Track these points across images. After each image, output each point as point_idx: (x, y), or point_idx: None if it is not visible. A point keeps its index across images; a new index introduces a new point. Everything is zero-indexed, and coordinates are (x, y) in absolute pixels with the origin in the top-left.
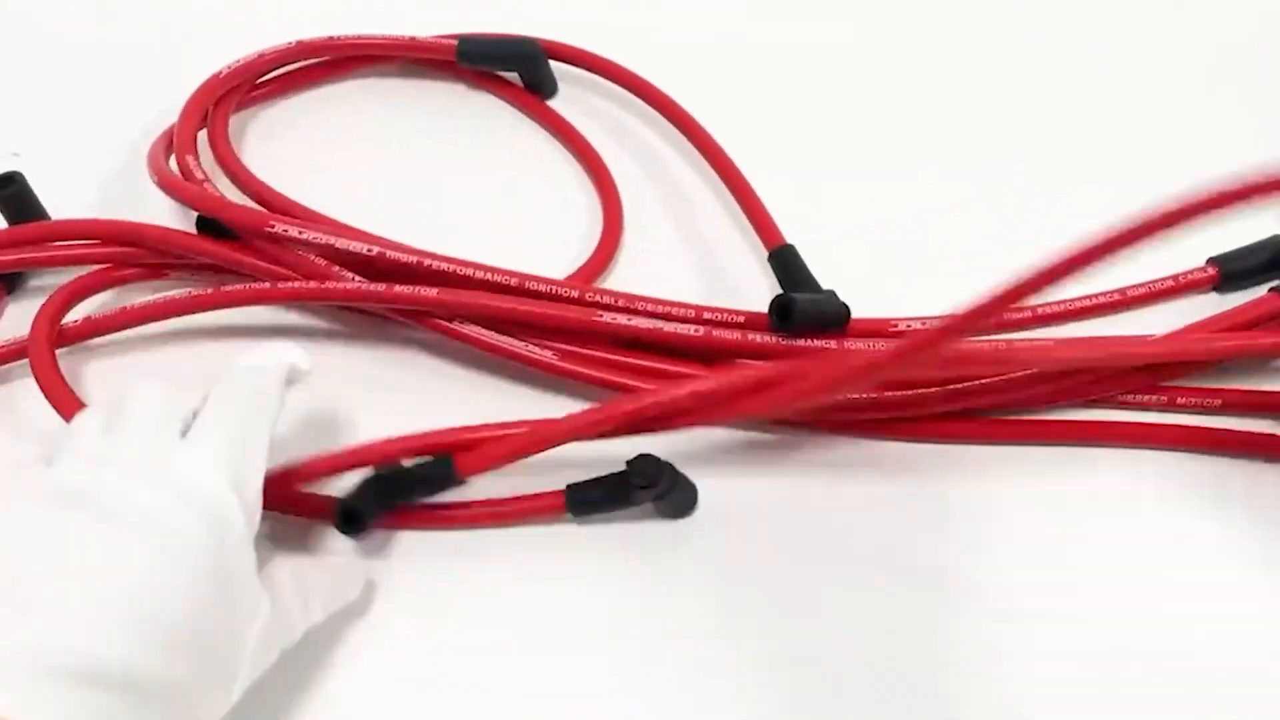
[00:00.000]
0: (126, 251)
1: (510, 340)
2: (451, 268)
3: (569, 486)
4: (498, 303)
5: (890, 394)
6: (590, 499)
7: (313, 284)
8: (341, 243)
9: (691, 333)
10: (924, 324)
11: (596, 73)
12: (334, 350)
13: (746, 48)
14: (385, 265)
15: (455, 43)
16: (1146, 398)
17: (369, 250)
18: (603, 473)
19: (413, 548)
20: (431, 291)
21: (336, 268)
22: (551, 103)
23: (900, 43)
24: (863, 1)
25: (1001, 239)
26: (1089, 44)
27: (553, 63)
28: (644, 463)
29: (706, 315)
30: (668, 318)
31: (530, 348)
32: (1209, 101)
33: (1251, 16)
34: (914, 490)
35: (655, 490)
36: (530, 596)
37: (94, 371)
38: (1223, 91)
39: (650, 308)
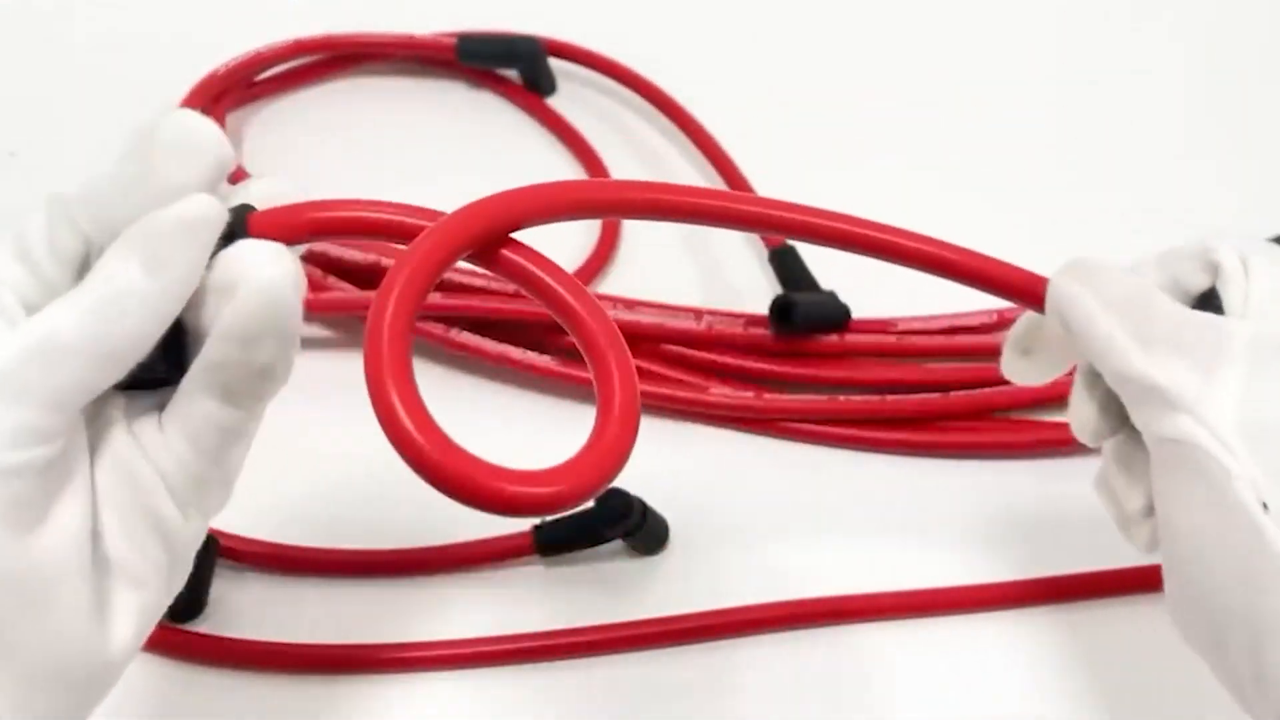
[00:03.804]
0: None
1: (510, 347)
2: (448, 275)
3: (535, 526)
4: (502, 305)
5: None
6: (558, 538)
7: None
8: (337, 250)
9: (693, 325)
10: (923, 324)
11: (596, 70)
12: (328, 358)
13: (747, 46)
14: (381, 273)
15: (455, 40)
16: None
17: (364, 258)
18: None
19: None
20: (435, 295)
21: (330, 277)
22: (551, 100)
23: (903, 44)
24: (865, 1)
25: (1002, 240)
26: (1090, 43)
27: (552, 60)
28: (613, 499)
29: (706, 317)
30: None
31: (529, 354)
32: (1210, 102)
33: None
34: (894, 509)
35: (625, 526)
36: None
37: None
38: (1223, 92)
39: (650, 313)
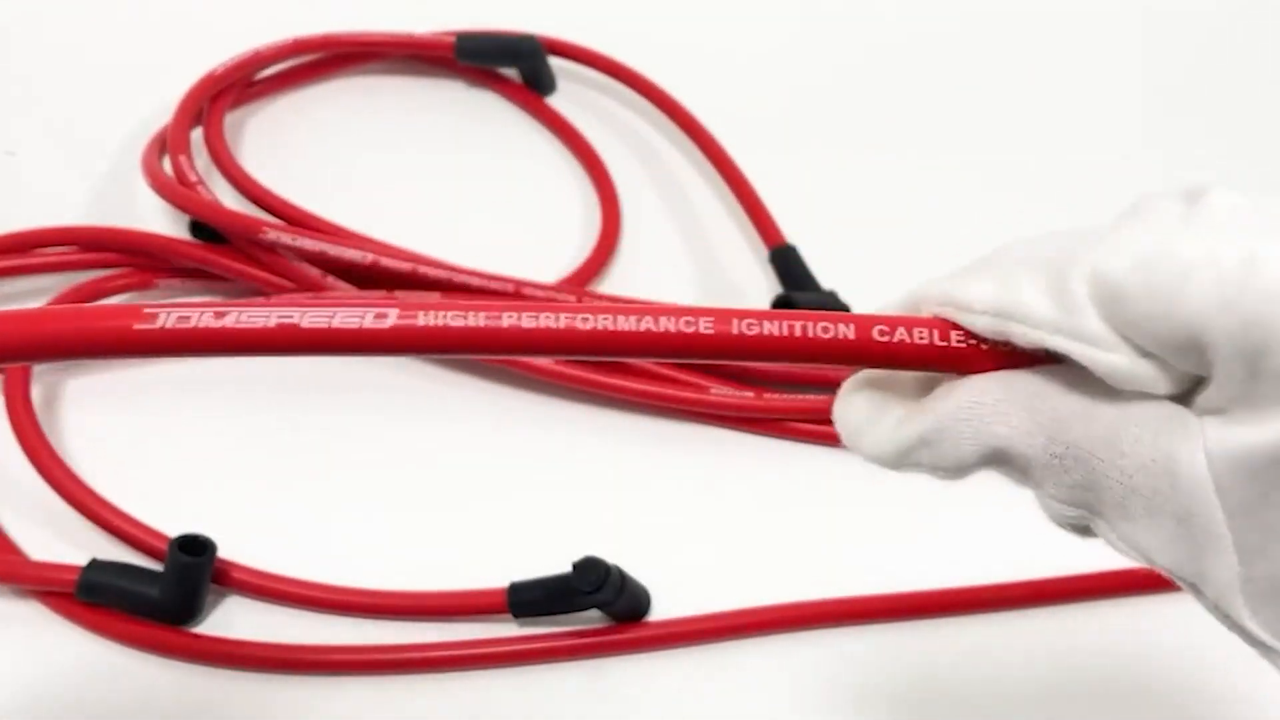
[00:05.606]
0: (110, 257)
1: None
2: (447, 275)
3: (512, 585)
4: (502, 305)
5: None
6: (533, 600)
7: (307, 295)
8: (335, 250)
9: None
10: None
11: (596, 69)
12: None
13: (748, 45)
14: (380, 273)
15: (454, 39)
16: None
17: (364, 258)
18: (550, 566)
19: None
20: (433, 296)
21: (330, 277)
22: (550, 100)
23: (906, 43)
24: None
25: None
26: (1093, 41)
27: (552, 59)
28: (590, 567)
29: None
30: None
31: None
32: (1208, 87)
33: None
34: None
35: (600, 597)
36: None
37: (73, 390)
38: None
39: None
